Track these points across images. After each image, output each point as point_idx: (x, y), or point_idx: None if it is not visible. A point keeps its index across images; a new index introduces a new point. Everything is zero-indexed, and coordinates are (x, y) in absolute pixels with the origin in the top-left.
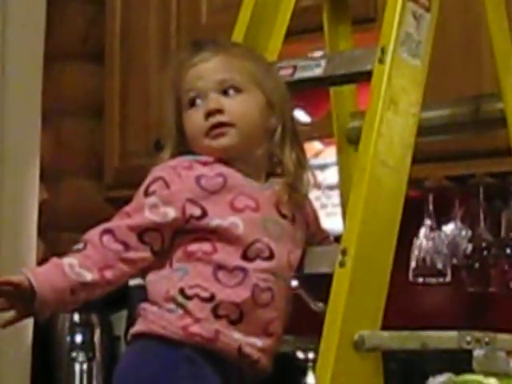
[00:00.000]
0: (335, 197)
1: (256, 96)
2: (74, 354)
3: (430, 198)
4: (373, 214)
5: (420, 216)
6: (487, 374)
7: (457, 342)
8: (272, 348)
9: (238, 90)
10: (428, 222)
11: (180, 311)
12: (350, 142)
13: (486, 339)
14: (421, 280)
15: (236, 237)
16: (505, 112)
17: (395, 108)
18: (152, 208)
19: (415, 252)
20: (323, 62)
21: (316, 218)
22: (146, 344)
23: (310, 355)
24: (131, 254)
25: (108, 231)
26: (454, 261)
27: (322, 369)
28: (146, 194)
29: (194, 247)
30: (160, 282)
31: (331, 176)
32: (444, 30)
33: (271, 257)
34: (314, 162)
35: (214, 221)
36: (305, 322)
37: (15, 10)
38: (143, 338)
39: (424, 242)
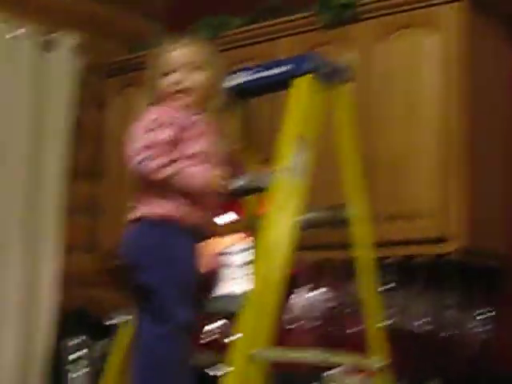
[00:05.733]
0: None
1: None
2: None
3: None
4: (265, 279)
5: (296, 285)
6: None
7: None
8: None
9: None
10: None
11: None
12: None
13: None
14: (291, 327)
15: None
16: (351, 217)
17: (283, 212)
18: None
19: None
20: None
21: None
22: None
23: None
24: None
25: None
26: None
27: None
28: None
29: None
30: None
31: (250, 255)
32: (318, 164)
33: None
34: (239, 246)
35: None
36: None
37: None
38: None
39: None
